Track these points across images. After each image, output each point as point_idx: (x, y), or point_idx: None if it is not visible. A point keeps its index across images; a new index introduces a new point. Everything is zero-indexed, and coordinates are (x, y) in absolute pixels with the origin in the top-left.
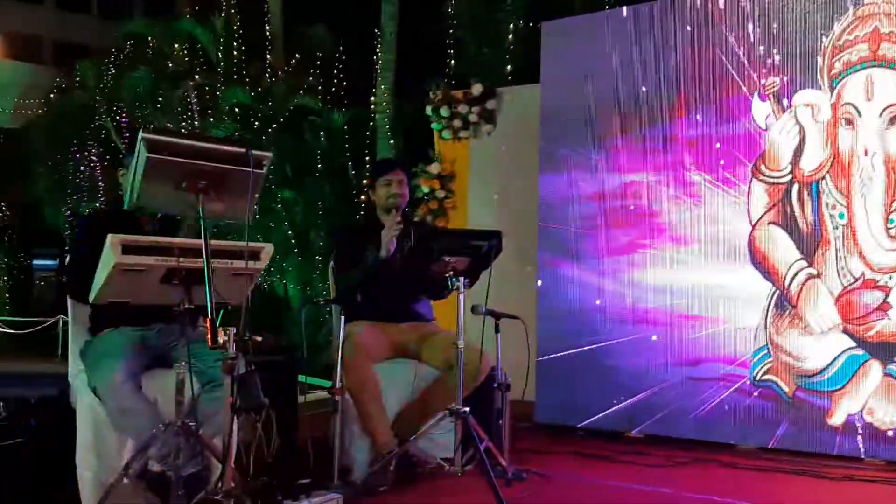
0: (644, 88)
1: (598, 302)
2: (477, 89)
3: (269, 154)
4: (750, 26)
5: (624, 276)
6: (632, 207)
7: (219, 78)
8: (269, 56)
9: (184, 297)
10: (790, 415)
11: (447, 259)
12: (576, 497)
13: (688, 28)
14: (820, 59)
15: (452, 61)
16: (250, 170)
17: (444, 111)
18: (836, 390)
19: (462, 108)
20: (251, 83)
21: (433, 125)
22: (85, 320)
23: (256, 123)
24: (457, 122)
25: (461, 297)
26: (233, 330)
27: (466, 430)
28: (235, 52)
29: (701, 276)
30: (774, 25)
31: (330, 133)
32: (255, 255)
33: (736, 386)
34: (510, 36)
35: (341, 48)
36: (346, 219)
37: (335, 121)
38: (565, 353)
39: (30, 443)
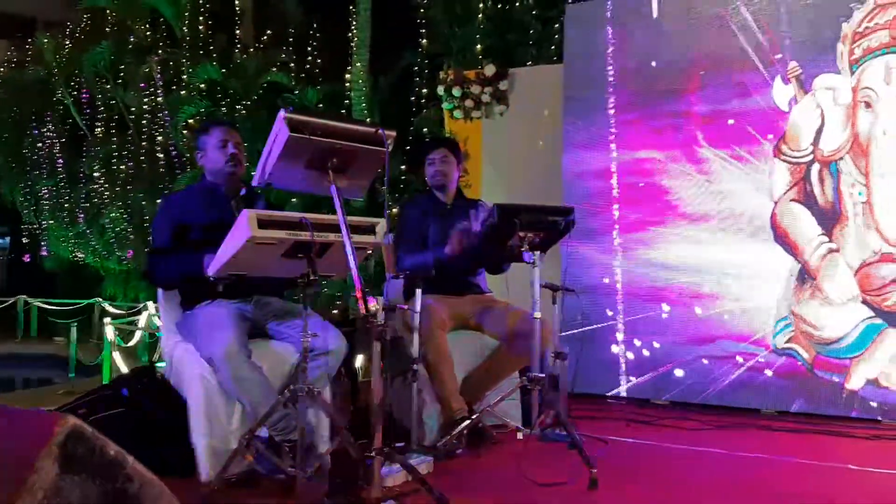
0: (662, 68)
1: (605, 280)
2: (489, 70)
3: (394, 133)
4: (772, 12)
5: (639, 253)
6: (641, 185)
7: (184, 53)
8: (238, 31)
9: (307, 269)
10: (810, 381)
11: (523, 234)
12: (640, 457)
13: (711, 11)
14: (840, 45)
15: (424, 40)
16: (383, 149)
17: (456, 91)
18: (855, 357)
19: (475, 89)
20: (219, 59)
21: (444, 105)
22: (174, 294)
23: (227, 100)
24: (469, 103)
25: (537, 270)
26: (381, 299)
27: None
28: (202, 27)
29: (717, 253)
30: (795, 11)
31: (304, 109)
32: (371, 230)
33: (756, 358)
34: (480, 16)
35: (315, 24)
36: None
37: (309, 97)
38: (586, 328)
39: (127, 412)
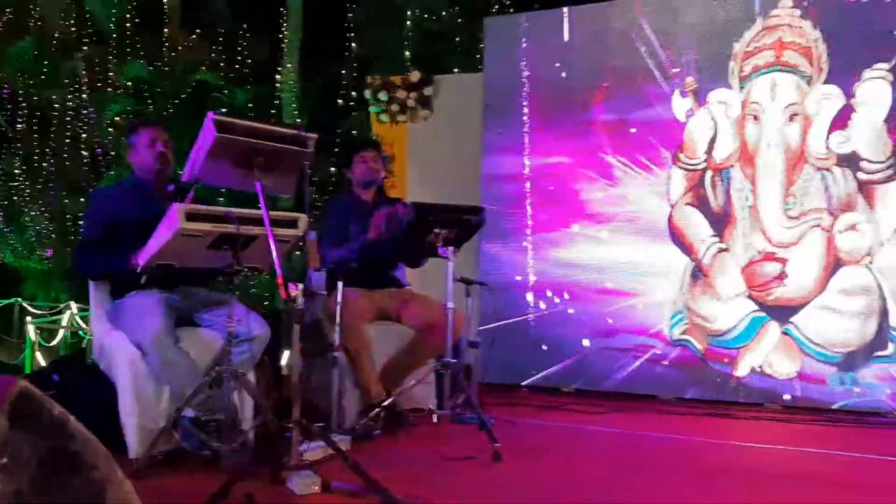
0: (572, 79)
1: (518, 277)
2: (415, 76)
3: (316, 136)
4: (672, 30)
5: (549, 252)
6: (552, 188)
7: (111, 51)
8: (165, 30)
9: (233, 261)
10: (703, 369)
11: (438, 231)
12: (545, 436)
13: (616, 27)
14: (732, 63)
15: (353, 44)
16: (305, 150)
17: (382, 95)
18: (742, 347)
19: (400, 94)
20: (147, 57)
21: (371, 108)
22: (105, 284)
23: (155, 99)
24: (395, 107)
25: (450, 264)
26: (300, 286)
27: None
28: (129, 25)
29: (618, 252)
30: (693, 30)
31: (233, 110)
32: (294, 223)
33: (654, 350)
34: (408, 23)
35: (245, 25)
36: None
37: (239, 98)
38: (499, 323)
39: (57, 396)
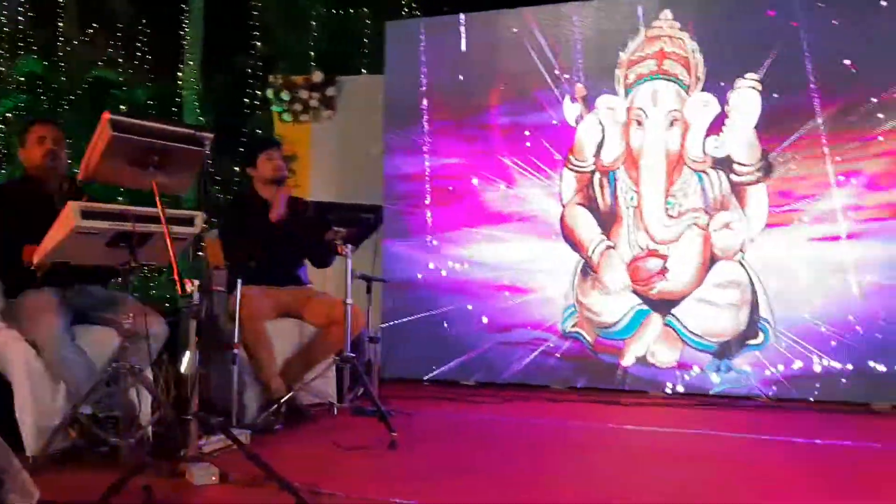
0: (469, 83)
1: (420, 275)
2: (317, 76)
3: (212, 135)
4: (562, 38)
5: (449, 250)
6: (451, 188)
7: (3, 45)
8: (61, 24)
9: (129, 258)
10: (593, 360)
11: (337, 229)
12: (442, 426)
13: (513, 31)
14: (618, 70)
15: (259, 43)
16: (201, 149)
17: (284, 95)
18: (627, 338)
19: (303, 94)
20: (42, 52)
21: (273, 108)
22: None
23: (50, 94)
24: (297, 107)
25: (349, 260)
26: (196, 282)
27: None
28: (22, 18)
29: (515, 251)
30: (582, 39)
31: (133, 107)
32: (191, 221)
33: (547, 343)
34: (313, 23)
35: (144, 21)
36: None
37: (138, 95)
38: (401, 320)
39: None
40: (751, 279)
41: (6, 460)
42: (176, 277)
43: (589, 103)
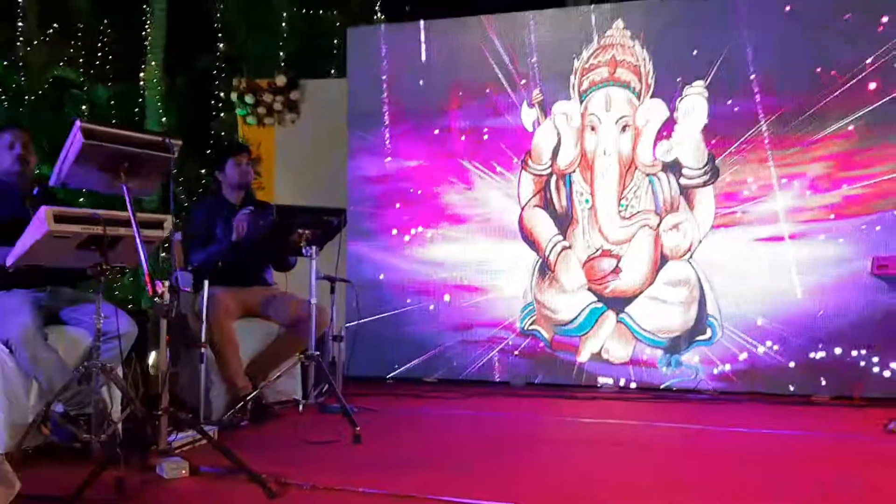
0: (429, 88)
1: (381, 276)
2: (281, 80)
3: (180, 141)
4: (519, 45)
5: (412, 251)
6: (412, 190)
7: None
8: (20, 24)
9: (100, 260)
10: (550, 357)
11: (301, 231)
12: (404, 421)
13: (469, 40)
14: (573, 77)
15: (222, 44)
16: (170, 156)
17: (248, 98)
18: (583, 335)
19: (267, 97)
20: (0, 52)
21: (238, 111)
22: None
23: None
24: (261, 110)
25: (314, 262)
26: (167, 283)
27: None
28: None
29: (474, 251)
30: (538, 46)
31: (94, 108)
32: (160, 225)
33: (507, 340)
34: (283, 24)
35: (106, 21)
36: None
37: (99, 95)
38: (364, 320)
39: None
40: (699, 278)
41: None
42: (147, 279)
43: (545, 109)
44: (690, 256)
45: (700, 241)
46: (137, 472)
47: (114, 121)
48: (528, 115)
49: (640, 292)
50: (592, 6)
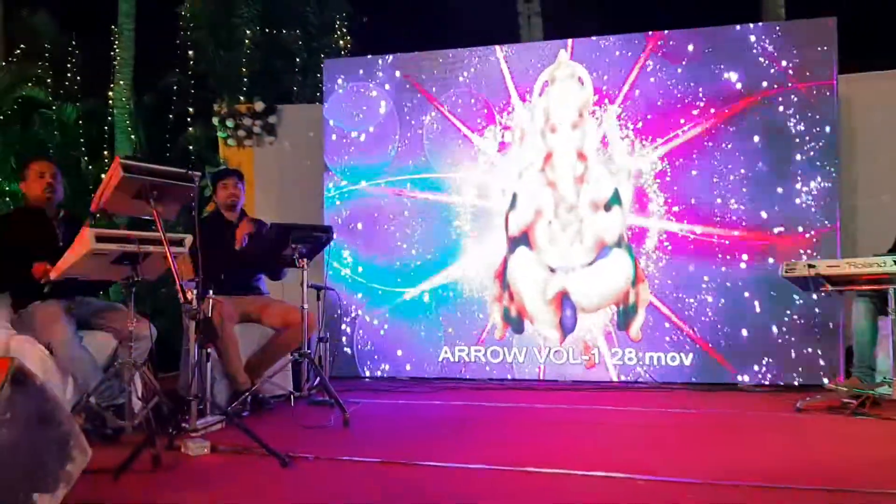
0: (399, 114)
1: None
2: (259, 106)
3: (200, 173)
4: (486, 74)
5: (381, 262)
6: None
7: None
8: None
9: (132, 273)
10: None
11: (294, 245)
12: (384, 410)
13: (440, 68)
14: (531, 101)
15: (192, 62)
16: (192, 185)
17: (229, 122)
18: (542, 331)
19: (246, 121)
20: None
21: (219, 133)
22: (6, 297)
23: None
24: (241, 133)
25: (305, 273)
26: (195, 291)
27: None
28: None
29: (442, 258)
30: (502, 74)
31: (63, 126)
32: (181, 242)
33: (473, 340)
34: (247, 41)
35: (74, 41)
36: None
37: (68, 114)
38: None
39: None
40: (636, 274)
41: (70, 424)
42: (178, 288)
43: (511, 132)
44: (628, 250)
45: (631, 236)
46: (166, 451)
47: (82, 140)
48: (493, 140)
49: (585, 282)
50: None
